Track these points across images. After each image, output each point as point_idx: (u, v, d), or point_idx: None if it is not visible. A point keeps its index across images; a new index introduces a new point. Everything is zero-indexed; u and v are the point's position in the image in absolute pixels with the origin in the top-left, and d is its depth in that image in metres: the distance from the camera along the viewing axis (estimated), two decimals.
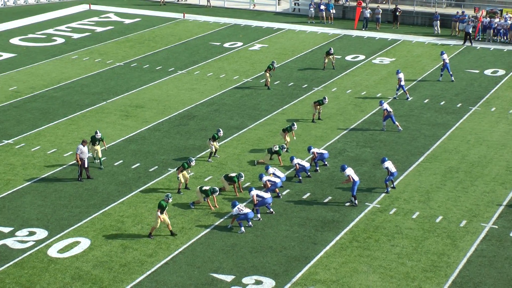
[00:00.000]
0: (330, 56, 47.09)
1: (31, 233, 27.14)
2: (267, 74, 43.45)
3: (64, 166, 32.90)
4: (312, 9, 61.00)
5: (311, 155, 32.52)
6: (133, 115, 39.30)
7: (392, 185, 31.11)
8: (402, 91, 41.86)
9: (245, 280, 24.21)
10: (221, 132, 33.93)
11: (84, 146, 31.25)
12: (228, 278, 24.33)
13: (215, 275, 24.51)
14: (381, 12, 58.85)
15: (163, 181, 31.52)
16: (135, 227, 27.71)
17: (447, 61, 44.77)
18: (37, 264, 25.18)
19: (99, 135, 32.67)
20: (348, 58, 49.75)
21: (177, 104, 41.10)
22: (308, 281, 24.12)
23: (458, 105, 40.98)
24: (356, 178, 29.43)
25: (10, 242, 26.54)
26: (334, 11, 61.16)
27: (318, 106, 38.22)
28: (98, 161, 32.71)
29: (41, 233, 27.12)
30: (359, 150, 34.75)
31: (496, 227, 27.80)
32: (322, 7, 60.88)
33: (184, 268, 25.00)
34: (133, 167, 32.81)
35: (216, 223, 27.98)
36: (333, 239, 26.85)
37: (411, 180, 31.63)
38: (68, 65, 48.76)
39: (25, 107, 40.68)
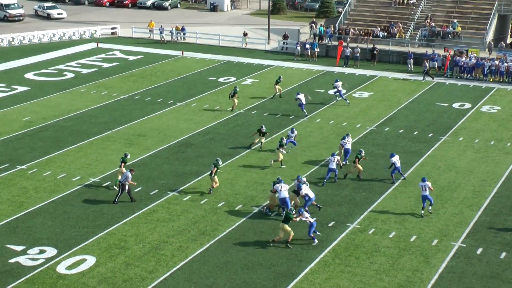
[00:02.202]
0: (278, 85, 48.02)
1: (42, 251, 26.89)
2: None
3: (73, 190, 32.70)
4: (298, 48, 61.23)
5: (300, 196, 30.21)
6: (136, 143, 39.17)
7: (402, 177, 33.70)
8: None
9: None
10: (285, 140, 36.11)
11: (132, 174, 31.27)
12: None
13: None
14: (360, 51, 59.07)
15: (163, 203, 31.34)
16: (137, 245, 27.48)
17: (340, 88, 46.62)
18: (46, 280, 24.90)
19: (128, 157, 33.23)
20: (331, 92, 49.75)
21: (176, 133, 41.00)
22: None
23: (430, 135, 41.03)
24: (312, 195, 29.67)
25: (22, 259, 26.28)
26: (318, 50, 61.35)
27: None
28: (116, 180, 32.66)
29: (51, 251, 26.87)
30: (341, 176, 34.63)
31: (464, 245, 27.71)
32: (308, 46, 61.14)
33: (181, 283, 24.77)
34: (135, 190, 32.59)
35: (211, 242, 27.79)
36: (318, 257, 26.69)
37: (388, 203, 31.53)
38: (77, 97, 48.67)
39: (37, 135, 40.50)
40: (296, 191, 30.11)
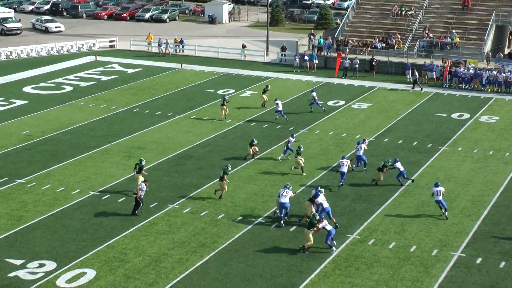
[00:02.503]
0: (265, 94, 48.35)
1: (41, 265, 26.98)
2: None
3: (72, 203, 32.81)
4: (297, 59, 61.48)
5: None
6: (135, 156, 39.27)
7: (410, 179, 35.11)
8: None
9: None
10: (302, 148, 37.16)
11: (146, 185, 31.76)
12: None
13: None
14: (358, 62, 59.29)
15: (163, 215, 31.45)
16: (137, 258, 27.59)
17: (316, 97, 47.82)
18: None
19: (144, 163, 34.44)
20: (330, 103, 50.03)
21: (175, 145, 41.15)
22: None
23: (429, 145, 41.22)
24: (326, 205, 30.05)
25: (21, 273, 26.36)
26: (317, 61, 61.52)
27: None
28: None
29: (50, 265, 26.95)
30: (342, 187, 34.79)
31: (464, 255, 27.86)
32: (306, 57, 61.38)
33: None
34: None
35: (211, 254, 27.91)
36: (318, 268, 26.81)
37: (387, 213, 31.68)
38: (76, 110, 48.81)
39: (36, 149, 40.64)
40: (311, 199, 30.35)
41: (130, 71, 61.45)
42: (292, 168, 36.80)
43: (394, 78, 58.70)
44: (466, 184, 35.28)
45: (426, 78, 56.79)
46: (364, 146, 37.25)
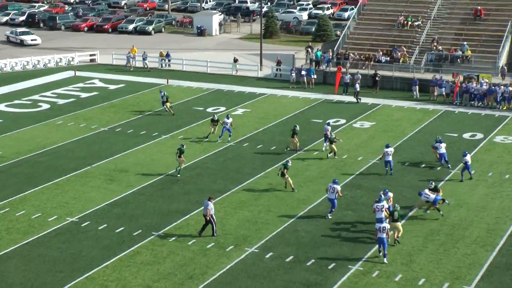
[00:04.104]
0: (296, 137, 44.71)
1: None
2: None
3: (49, 231, 32.65)
4: (293, 74, 61.58)
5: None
6: (117, 179, 39.22)
7: (469, 176, 39.20)
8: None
9: None
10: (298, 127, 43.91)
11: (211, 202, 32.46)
12: None
13: None
14: (360, 77, 59.31)
15: (147, 244, 31.32)
16: None
17: (164, 96, 51.86)
18: None
19: (184, 147, 39.63)
20: (330, 122, 49.96)
21: (161, 168, 41.09)
22: None
23: (438, 168, 41.20)
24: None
25: None
26: (315, 76, 61.54)
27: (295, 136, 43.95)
28: (179, 169, 39.45)
29: None
30: (341, 213, 34.72)
31: None
32: (303, 72, 61.39)
33: None
34: (117, 231, 32.63)
35: (200, 287, 27.79)
36: None
37: (393, 243, 31.58)
38: (53, 130, 48.76)
39: (10, 172, 40.51)
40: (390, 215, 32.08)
41: (112, 87, 61.45)
42: (328, 155, 42.77)
43: (399, 94, 58.81)
44: (480, 211, 35.25)
45: (435, 94, 56.88)
46: (391, 150, 40.10)
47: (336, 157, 42.48)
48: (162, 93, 52.99)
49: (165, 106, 52.48)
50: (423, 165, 41.68)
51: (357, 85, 56.65)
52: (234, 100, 56.92)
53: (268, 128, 49.26)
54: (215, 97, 57.97)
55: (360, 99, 56.28)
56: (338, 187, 34.43)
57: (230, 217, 34.26)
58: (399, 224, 31.53)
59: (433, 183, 35.32)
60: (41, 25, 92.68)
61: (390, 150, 39.94)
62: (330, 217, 34.20)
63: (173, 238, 31.89)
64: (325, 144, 43.86)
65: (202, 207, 32.63)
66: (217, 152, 44.06)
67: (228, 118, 45.86)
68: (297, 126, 44.49)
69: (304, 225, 33.36)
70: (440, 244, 31.43)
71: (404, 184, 38.47)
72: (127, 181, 38.98)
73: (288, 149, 43.89)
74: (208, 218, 32.07)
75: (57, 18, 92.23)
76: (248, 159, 42.66)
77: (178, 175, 39.45)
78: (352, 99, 56.97)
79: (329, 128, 44.26)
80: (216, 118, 46.75)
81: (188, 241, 31.66)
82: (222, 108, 54.15)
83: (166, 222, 33.59)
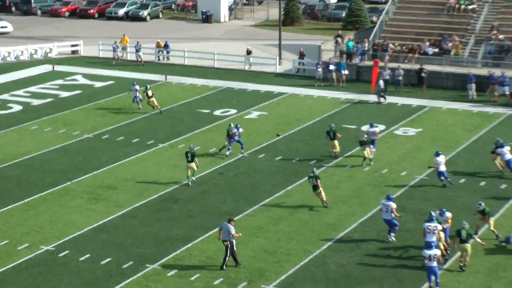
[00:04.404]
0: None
1: None
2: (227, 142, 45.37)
3: (18, 262, 32.40)
4: (319, 70, 61.50)
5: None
6: (103, 198, 39.10)
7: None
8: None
9: None
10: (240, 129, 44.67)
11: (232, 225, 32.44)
12: None
13: None
14: (402, 73, 59.10)
15: (140, 279, 31.07)
16: None
17: (138, 93, 53.96)
18: None
19: (193, 149, 40.65)
20: (364, 128, 49.48)
21: (157, 184, 40.93)
22: None
23: (502, 186, 40.65)
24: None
25: None
26: (346, 72, 61.63)
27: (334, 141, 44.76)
28: (192, 178, 40.50)
29: None
30: (381, 242, 34.13)
31: None
32: (332, 67, 61.35)
33: None
34: (102, 262, 32.37)
35: None
36: None
37: (449, 279, 30.85)
38: (26, 137, 48.87)
39: None
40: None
41: (98, 84, 61.68)
42: (365, 163, 43.29)
43: (451, 94, 58.77)
44: None
45: (495, 94, 56.48)
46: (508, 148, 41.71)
47: (372, 163, 43.20)
48: (136, 87, 54.19)
49: (138, 102, 54.14)
50: (483, 183, 41.06)
51: (381, 82, 56.48)
52: (247, 101, 56.97)
53: (290, 135, 49.03)
54: (224, 97, 58.05)
55: (385, 98, 56.28)
56: (393, 205, 34.12)
57: (243, 246, 33.85)
58: (468, 246, 31.24)
59: (482, 203, 34.48)
60: (13, 9, 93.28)
61: (442, 158, 40.46)
62: (392, 239, 34.27)
63: (172, 272, 31.62)
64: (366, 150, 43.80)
65: (218, 231, 32.00)
66: (227, 165, 43.89)
67: (238, 129, 45.30)
68: (333, 125, 44.97)
69: (335, 257, 32.99)
70: (508, 283, 30.73)
71: (459, 206, 37.83)
72: (115, 201, 38.85)
73: (333, 154, 44.65)
74: (227, 244, 31.70)
75: (33, 1, 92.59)
76: (265, 173, 42.35)
77: (190, 183, 40.51)
78: (392, 99, 56.69)
79: (375, 129, 45.49)
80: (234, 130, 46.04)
81: (190, 276, 31.33)
82: (233, 111, 53.99)
83: (163, 252, 33.36)
